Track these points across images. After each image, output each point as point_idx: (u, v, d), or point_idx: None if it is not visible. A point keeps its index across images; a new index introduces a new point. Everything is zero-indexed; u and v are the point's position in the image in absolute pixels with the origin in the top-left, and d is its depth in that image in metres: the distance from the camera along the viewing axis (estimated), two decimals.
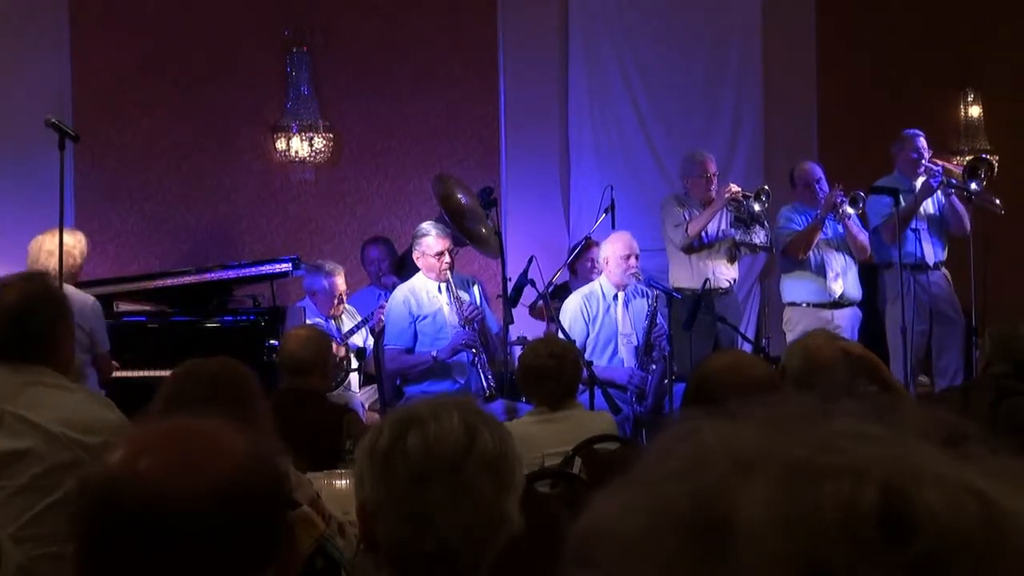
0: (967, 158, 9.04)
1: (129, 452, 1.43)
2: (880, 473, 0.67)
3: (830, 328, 7.30)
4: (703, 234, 7.64)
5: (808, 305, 7.75)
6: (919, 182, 7.90)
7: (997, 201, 7.89)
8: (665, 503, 0.69)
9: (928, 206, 7.94)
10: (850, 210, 7.64)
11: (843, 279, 7.74)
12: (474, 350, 6.55)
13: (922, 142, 8.03)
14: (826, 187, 7.78)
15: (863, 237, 7.74)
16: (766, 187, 7.76)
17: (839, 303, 7.74)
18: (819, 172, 7.89)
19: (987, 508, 0.66)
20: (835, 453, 0.68)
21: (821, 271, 7.73)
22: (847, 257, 7.77)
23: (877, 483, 0.66)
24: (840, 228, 7.73)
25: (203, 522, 1.36)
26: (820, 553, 0.65)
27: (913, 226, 7.80)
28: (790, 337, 7.63)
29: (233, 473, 1.39)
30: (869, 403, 0.74)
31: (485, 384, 6.46)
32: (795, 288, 7.82)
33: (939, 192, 7.90)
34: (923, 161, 7.97)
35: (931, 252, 7.91)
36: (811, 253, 7.70)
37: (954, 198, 7.90)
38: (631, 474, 0.74)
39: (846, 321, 7.67)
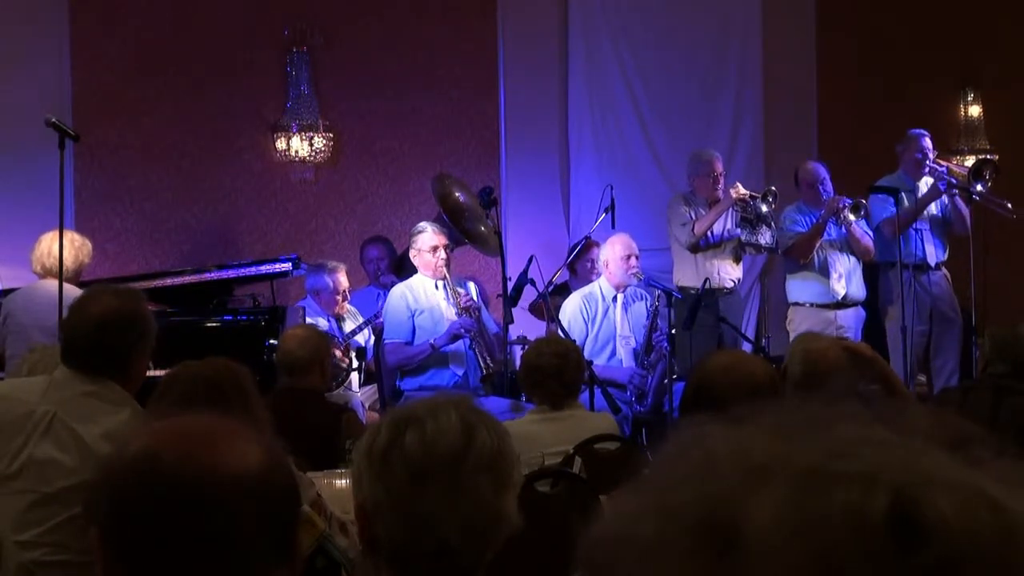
0: (969, 159, 9.02)
1: (156, 440, 1.42)
2: (890, 479, 0.66)
3: (832, 328, 7.31)
4: (709, 234, 7.63)
5: (812, 305, 7.72)
6: (924, 183, 7.89)
7: (1009, 205, 7.86)
8: (675, 509, 0.69)
9: (931, 207, 7.92)
10: (852, 217, 7.59)
11: (847, 280, 7.71)
12: (471, 334, 6.60)
13: (927, 142, 8.01)
14: (830, 188, 7.75)
15: (867, 240, 7.70)
16: (773, 188, 7.72)
17: (843, 303, 7.71)
18: (823, 172, 7.85)
19: (998, 513, 0.66)
20: (844, 459, 0.67)
21: (825, 272, 7.70)
22: (851, 258, 7.74)
23: (887, 489, 0.65)
24: (843, 229, 7.70)
25: (231, 512, 1.36)
26: (830, 560, 0.64)
27: (915, 226, 7.78)
28: (793, 337, 7.61)
29: (257, 467, 1.40)
30: (875, 407, 0.73)
31: (483, 364, 6.52)
32: (799, 288, 7.80)
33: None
34: (927, 161, 7.94)
35: (932, 252, 7.89)
36: (815, 254, 7.69)
37: (958, 199, 7.88)
38: (641, 479, 0.73)
39: (849, 321, 7.65)
